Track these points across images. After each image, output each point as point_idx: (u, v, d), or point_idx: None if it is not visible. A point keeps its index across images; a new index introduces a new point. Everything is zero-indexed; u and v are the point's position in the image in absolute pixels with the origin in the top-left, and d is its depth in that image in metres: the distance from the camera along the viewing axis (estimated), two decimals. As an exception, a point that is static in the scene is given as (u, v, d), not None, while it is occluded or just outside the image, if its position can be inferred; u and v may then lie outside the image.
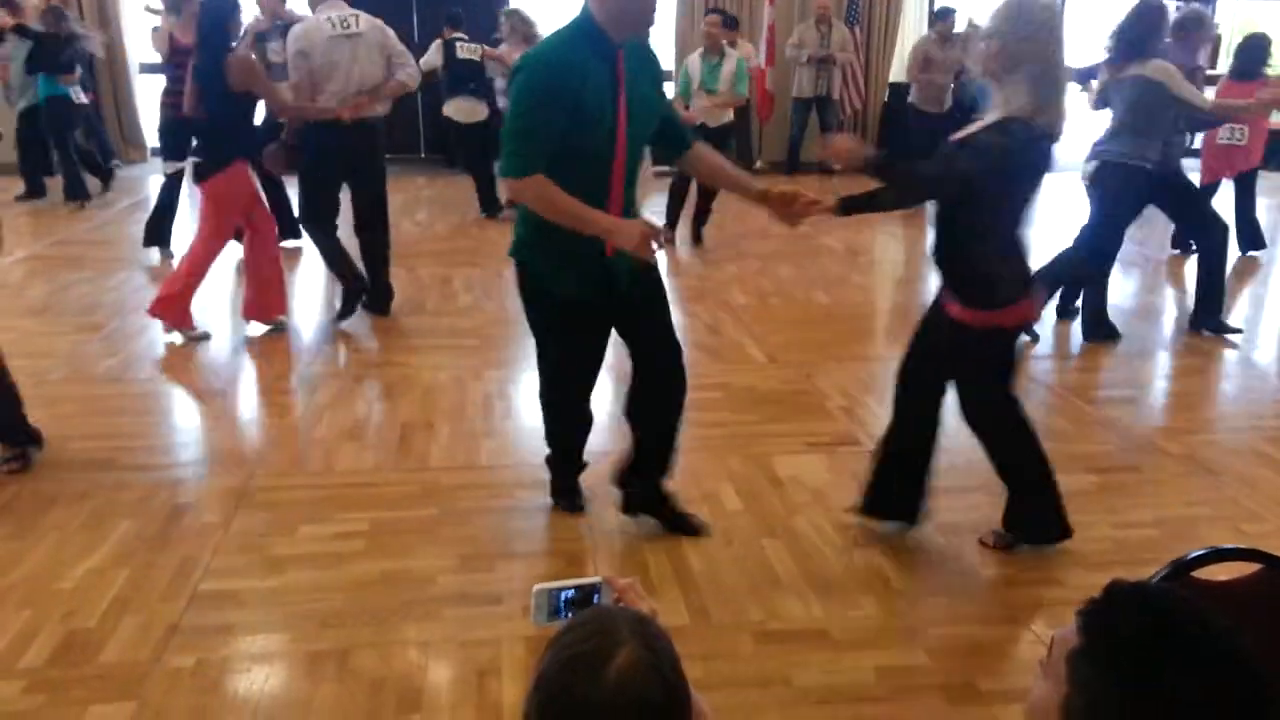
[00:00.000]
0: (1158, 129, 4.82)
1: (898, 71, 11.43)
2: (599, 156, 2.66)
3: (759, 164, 11.07)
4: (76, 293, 5.82)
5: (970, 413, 2.99)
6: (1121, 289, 6.66)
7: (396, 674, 2.48)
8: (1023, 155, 2.65)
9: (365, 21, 5.13)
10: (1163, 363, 5.15)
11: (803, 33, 10.24)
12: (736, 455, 3.76)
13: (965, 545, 3.13)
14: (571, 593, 1.35)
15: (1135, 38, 4.75)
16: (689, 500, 3.38)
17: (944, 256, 2.84)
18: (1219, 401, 4.62)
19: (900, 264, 7.38)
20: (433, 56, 8.02)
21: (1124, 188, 4.92)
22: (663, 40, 11.21)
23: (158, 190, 6.88)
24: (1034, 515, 3.05)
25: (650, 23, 2.70)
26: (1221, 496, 3.55)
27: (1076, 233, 5.15)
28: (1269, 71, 6.38)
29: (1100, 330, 5.25)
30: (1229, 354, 5.23)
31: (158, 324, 5.19)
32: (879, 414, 4.21)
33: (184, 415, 4.17)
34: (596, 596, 1.35)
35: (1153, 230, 8.83)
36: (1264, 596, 1.55)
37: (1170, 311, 6.00)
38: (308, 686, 2.43)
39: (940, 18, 9.31)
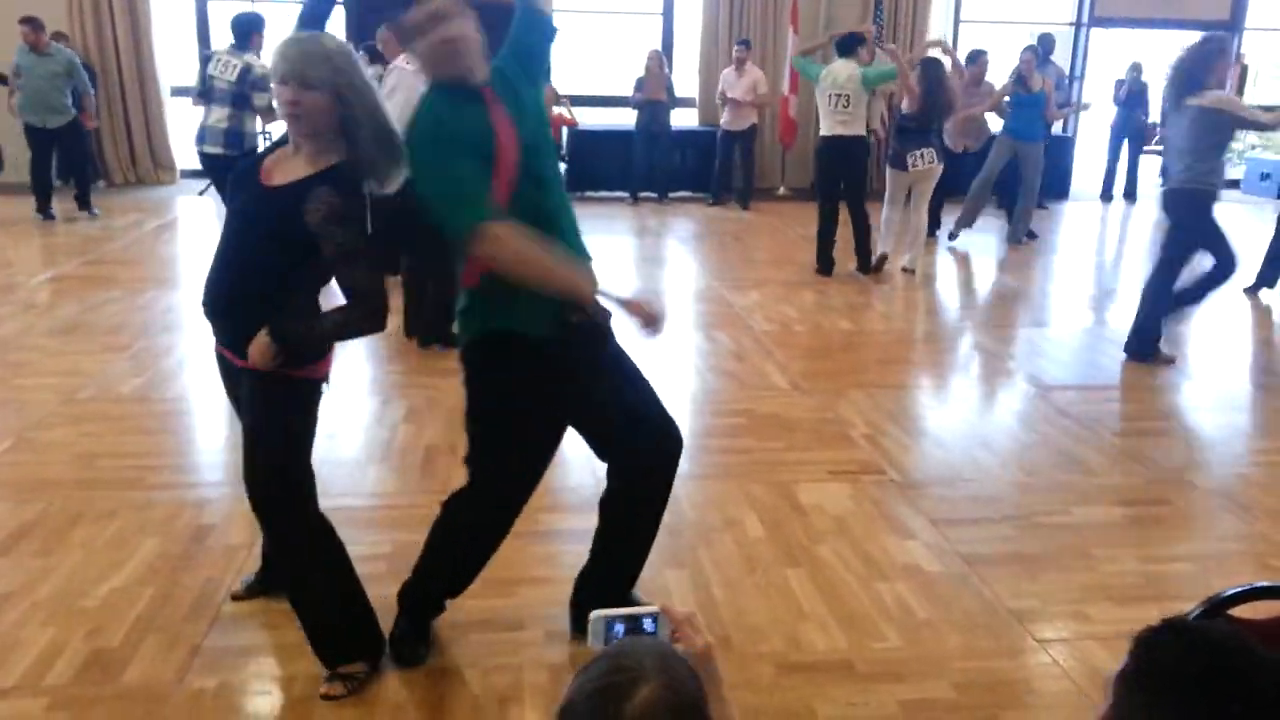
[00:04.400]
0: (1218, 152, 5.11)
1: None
2: None
3: (782, 190, 11.08)
4: (105, 312, 5.88)
5: None
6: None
7: (418, 699, 2.47)
8: None
9: None
10: (1191, 394, 5.09)
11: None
12: (759, 482, 3.75)
13: (991, 577, 3.10)
14: (624, 622, 1.35)
15: (1190, 70, 5.04)
16: (710, 528, 3.36)
17: None
18: (1249, 435, 4.57)
19: (923, 291, 7.35)
20: None
21: (1196, 212, 5.17)
22: (687, 61, 11.34)
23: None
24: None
25: None
26: (1252, 532, 3.50)
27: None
28: None
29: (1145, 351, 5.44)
30: (1257, 387, 5.16)
31: (184, 343, 5.22)
32: (904, 443, 4.19)
33: (210, 435, 4.19)
34: (650, 625, 1.35)
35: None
36: (1301, 636, 1.53)
37: (1199, 343, 5.94)
38: (329, 711, 2.43)
39: (971, 61, 8.97)
